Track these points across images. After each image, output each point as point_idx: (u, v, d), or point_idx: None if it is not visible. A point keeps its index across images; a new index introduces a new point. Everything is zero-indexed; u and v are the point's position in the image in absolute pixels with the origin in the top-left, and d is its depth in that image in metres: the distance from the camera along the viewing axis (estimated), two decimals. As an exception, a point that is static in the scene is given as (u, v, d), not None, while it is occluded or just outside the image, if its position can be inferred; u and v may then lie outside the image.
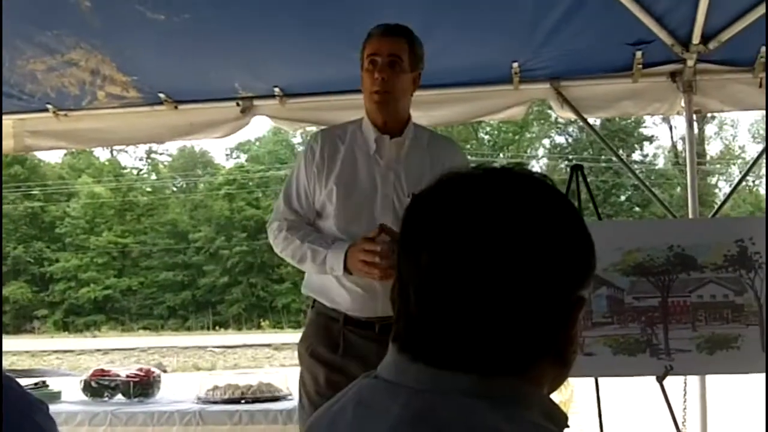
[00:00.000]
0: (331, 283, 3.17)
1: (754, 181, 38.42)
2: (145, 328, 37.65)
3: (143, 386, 4.74)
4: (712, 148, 42.75)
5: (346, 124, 3.36)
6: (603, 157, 37.59)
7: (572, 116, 4.82)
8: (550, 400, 1.08)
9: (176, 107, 4.90)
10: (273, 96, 4.81)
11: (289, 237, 3.21)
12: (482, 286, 1.01)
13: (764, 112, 4.82)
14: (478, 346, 1.02)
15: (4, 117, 4.88)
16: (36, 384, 4.97)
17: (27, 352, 25.49)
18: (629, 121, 37.21)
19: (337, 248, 3.09)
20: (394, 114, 3.19)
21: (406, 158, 3.19)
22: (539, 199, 1.07)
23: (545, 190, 1.08)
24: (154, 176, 45.16)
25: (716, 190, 40.41)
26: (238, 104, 4.87)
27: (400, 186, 3.15)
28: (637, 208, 38.86)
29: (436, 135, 3.46)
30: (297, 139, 40.68)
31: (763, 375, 3.81)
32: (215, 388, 4.62)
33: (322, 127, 3.72)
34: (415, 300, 1.05)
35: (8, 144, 5.02)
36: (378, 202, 3.13)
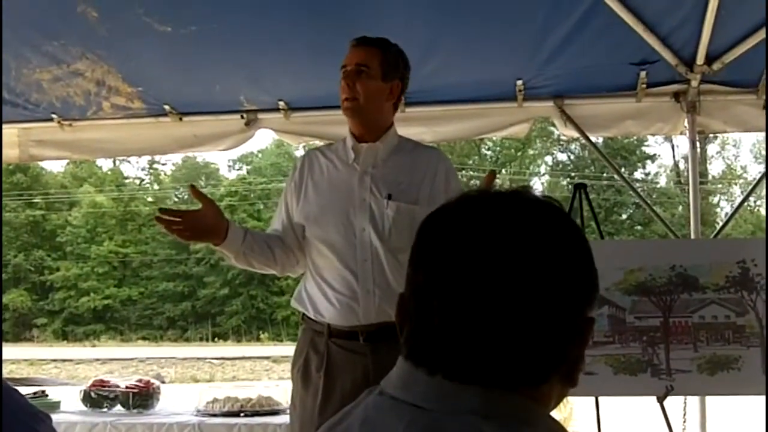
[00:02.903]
0: (315, 293, 3.18)
1: (755, 201, 38.41)
2: (144, 338, 37.59)
3: (142, 397, 4.74)
4: (714, 168, 42.78)
5: (335, 142, 3.42)
6: (605, 174, 37.60)
7: (575, 134, 4.83)
8: (556, 420, 1.09)
9: (181, 119, 4.91)
10: (278, 109, 4.83)
11: None
12: (503, 300, 1.03)
13: (765, 133, 4.81)
14: (497, 358, 1.04)
15: (9, 126, 4.89)
16: (35, 393, 4.97)
17: (26, 360, 25.46)
18: (631, 139, 37.23)
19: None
20: (366, 121, 3.21)
21: (384, 163, 3.21)
22: (550, 221, 1.10)
23: (555, 213, 1.11)
24: (156, 186, 45.18)
25: (717, 210, 40.40)
26: (242, 117, 4.88)
27: (377, 189, 3.15)
28: (638, 227, 38.83)
29: (422, 145, 3.49)
30: (300, 152, 40.53)
31: (763, 397, 3.81)
32: (215, 400, 4.61)
33: (325, 141, 3.73)
34: (439, 313, 1.06)
35: (13, 153, 5.03)
36: (355, 205, 3.15)
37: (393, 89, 3.23)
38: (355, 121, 3.21)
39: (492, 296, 1.03)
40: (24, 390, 1.55)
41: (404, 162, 3.23)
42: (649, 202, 5.50)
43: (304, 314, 3.25)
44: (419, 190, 3.16)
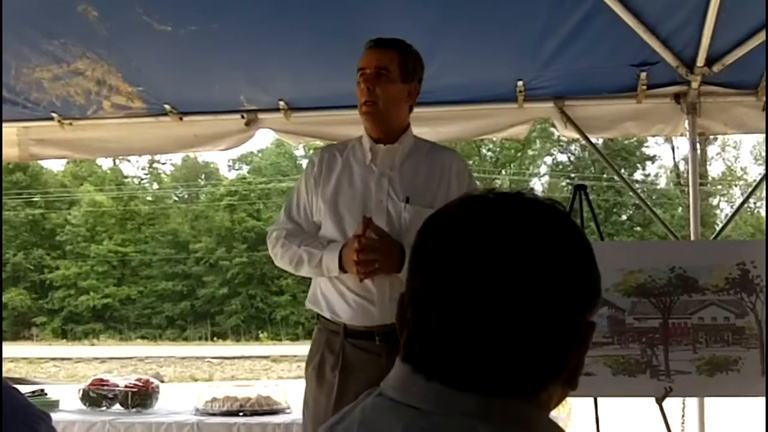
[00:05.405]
0: (331, 294, 3.19)
1: (755, 203, 38.40)
2: (143, 337, 37.58)
3: (141, 396, 4.74)
4: (714, 169, 42.76)
5: (349, 140, 3.40)
6: (605, 175, 37.62)
7: (575, 135, 4.83)
8: (555, 423, 1.09)
9: (181, 119, 4.91)
10: (278, 109, 4.82)
11: (287, 244, 3.26)
12: (503, 308, 1.02)
13: (765, 135, 4.81)
14: (496, 366, 1.03)
15: (9, 125, 4.89)
16: (34, 392, 4.97)
17: (25, 358, 25.47)
18: (631, 140, 37.22)
19: (332, 248, 3.14)
20: (385, 124, 3.22)
21: (401, 165, 3.22)
22: (553, 226, 1.09)
23: (558, 217, 1.10)
24: (155, 186, 45.18)
25: (717, 211, 40.41)
26: (242, 117, 4.88)
27: (394, 191, 3.17)
28: (638, 228, 38.82)
29: (437, 146, 3.46)
30: (299, 152, 40.70)
31: (762, 398, 3.82)
32: (214, 400, 4.62)
33: (325, 142, 3.72)
34: (436, 320, 1.05)
35: (13, 152, 5.02)
36: (372, 208, 3.15)
37: (411, 91, 3.23)
38: (373, 124, 3.20)
39: (491, 304, 1.02)
40: (22, 389, 1.55)
41: (421, 164, 3.24)
42: (648, 203, 5.51)
43: (319, 315, 3.26)
44: (435, 193, 3.16)
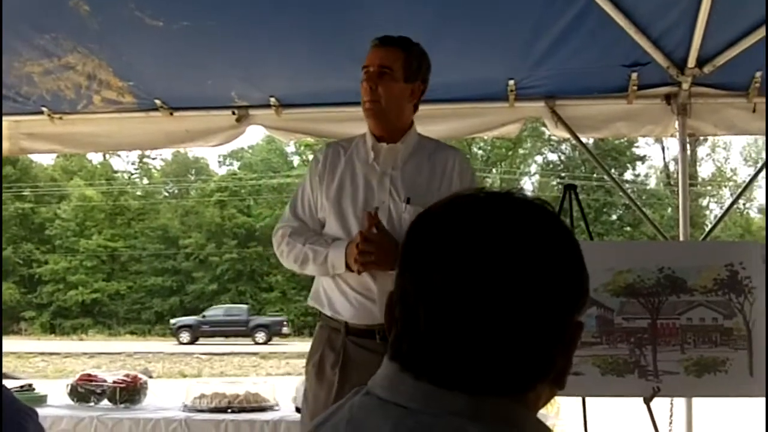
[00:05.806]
0: (332, 291, 3.19)
1: (744, 204, 38.59)
2: (132, 332, 37.55)
3: (130, 392, 4.73)
4: (704, 170, 42.97)
5: (354, 137, 3.39)
6: (595, 175, 37.71)
7: (566, 135, 4.83)
8: (543, 423, 1.09)
9: (172, 114, 4.89)
10: (269, 106, 4.81)
11: (291, 242, 3.25)
12: (491, 307, 1.02)
13: (757, 136, 4.82)
14: (484, 366, 1.03)
15: (-2, 118, 4.88)
16: (22, 387, 4.96)
17: (13, 353, 25.42)
18: (622, 140, 37.35)
19: (337, 245, 3.13)
20: (387, 124, 3.21)
21: (404, 164, 3.21)
22: (541, 227, 1.09)
23: (546, 218, 1.10)
24: (146, 180, 45.11)
25: (707, 212, 40.60)
26: (233, 113, 4.86)
27: (396, 192, 3.16)
28: (627, 228, 38.96)
29: (441, 144, 3.44)
30: (290, 148, 40.77)
31: (749, 399, 3.84)
32: (202, 396, 4.61)
33: (316, 138, 3.69)
34: (425, 319, 1.05)
35: (3, 146, 5.00)
36: (374, 207, 3.14)
37: (414, 90, 3.22)
38: (375, 123, 3.20)
39: (480, 303, 1.02)
40: (10, 384, 1.55)
41: (423, 164, 3.23)
42: (638, 203, 5.52)
43: (321, 312, 3.26)
44: (436, 193, 3.13)
